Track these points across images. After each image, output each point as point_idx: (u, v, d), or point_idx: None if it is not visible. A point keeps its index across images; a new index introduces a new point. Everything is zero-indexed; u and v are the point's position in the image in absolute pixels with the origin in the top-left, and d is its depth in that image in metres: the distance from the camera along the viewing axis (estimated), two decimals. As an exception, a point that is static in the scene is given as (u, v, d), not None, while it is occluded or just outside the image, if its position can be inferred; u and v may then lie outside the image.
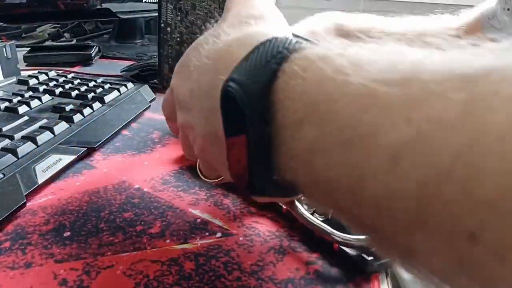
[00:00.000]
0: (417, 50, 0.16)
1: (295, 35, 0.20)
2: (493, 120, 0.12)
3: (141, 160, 0.40)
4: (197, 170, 0.34)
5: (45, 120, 0.42)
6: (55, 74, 0.60)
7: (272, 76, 0.18)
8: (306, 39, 0.20)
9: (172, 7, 0.36)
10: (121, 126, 0.46)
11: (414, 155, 0.13)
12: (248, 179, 0.19)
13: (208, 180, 0.34)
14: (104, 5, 0.77)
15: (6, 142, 0.37)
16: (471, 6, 1.11)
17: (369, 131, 0.14)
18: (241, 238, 0.29)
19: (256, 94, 0.18)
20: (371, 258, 0.26)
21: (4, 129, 0.40)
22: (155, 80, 0.57)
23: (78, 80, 0.56)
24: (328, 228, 0.27)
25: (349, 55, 0.17)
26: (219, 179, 0.33)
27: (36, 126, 0.41)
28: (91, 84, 0.55)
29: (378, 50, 0.17)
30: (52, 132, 0.40)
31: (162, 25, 0.38)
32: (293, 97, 0.17)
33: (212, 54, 0.22)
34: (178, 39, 0.36)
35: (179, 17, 0.36)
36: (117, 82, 0.57)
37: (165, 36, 0.38)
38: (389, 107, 0.14)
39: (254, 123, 0.18)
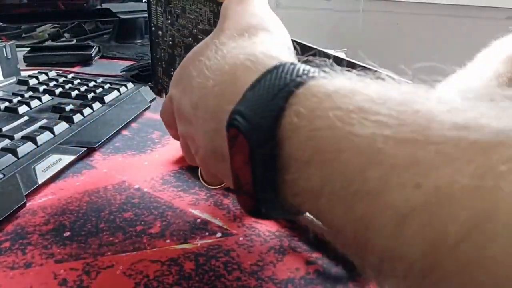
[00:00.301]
0: (433, 94, 0.15)
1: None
2: (500, 202, 0.12)
3: (141, 160, 0.40)
4: (198, 176, 0.34)
5: (45, 120, 0.42)
6: (55, 74, 0.60)
7: (279, 112, 0.17)
8: (313, 64, 0.19)
9: (162, 10, 0.35)
10: (121, 126, 0.46)
11: (420, 223, 0.13)
12: (254, 204, 0.19)
13: (209, 186, 0.34)
14: (104, 5, 0.77)
15: (6, 142, 0.37)
16: (472, 6, 1.11)
17: (375, 189, 0.14)
18: (241, 238, 0.29)
19: (262, 130, 0.18)
20: None
21: (4, 129, 0.40)
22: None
23: (78, 80, 0.56)
24: None
25: (358, 97, 0.16)
26: (221, 185, 0.33)
27: (36, 126, 0.41)
28: (91, 84, 0.55)
29: (392, 91, 0.16)
30: (52, 132, 0.40)
31: (153, 28, 0.37)
32: (299, 137, 0.17)
33: (216, 76, 0.22)
34: (170, 42, 0.35)
35: (169, 21, 0.35)
36: (117, 82, 0.57)
37: (156, 40, 0.37)
38: (396, 168, 0.14)
39: (260, 158, 0.18)
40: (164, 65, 0.37)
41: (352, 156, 0.15)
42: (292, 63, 0.19)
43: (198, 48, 0.26)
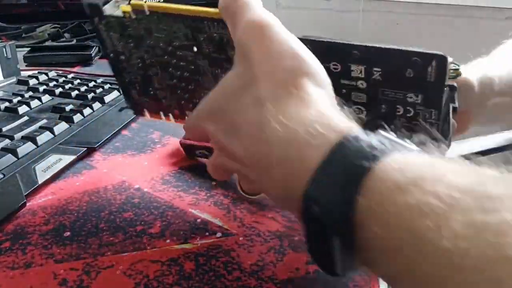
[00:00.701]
0: (500, 187, 0.16)
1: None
2: None
3: (141, 160, 0.40)
4: (237, 187, 0.33)
5: (45, 120, 0.42)
6: (55, 74, 0.60)
7: (353, 197, 0.18)
8: (378, 138, 0.19)
9: (118, 35, 0.31)
10: (121, 126, 0.46)
11: None
12: (331, 267, 0.20)
13: (249, 196, 0.33)
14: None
15: (6, 142, 0.37)
16: (472, 6, 1.11)
17: None
18: (241, 238, 0.29)
19: (336, 220, 0.18)
20: None
21: (4, 129, 0.40)
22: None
23: (78, 80, 0.56)
24: None
25: (430, 198, 0.16)
26: (260, 194, 0.33)
27: (36, 126, 0.41)
28: (91, 84, 0.55)
29: (460, 180, 0.17)
30: (52, 132, 0.40)
31: (112, 55, 0.33)
32: (374, 234, 0.17)
33: (279, 150, 0.21)
34: (140, 64, 0.32)
35: (132, 44, 0.31)
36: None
37: (120, 65, 0.33)
38: (479, 283, 0.14)
39: (335, 241, 0.18)
40: (138, 87, 0.34)
41: (432, 265, 0.16)
42: (355, 137, 0.19)
43: (231, 92, 0.24)
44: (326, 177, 0.19)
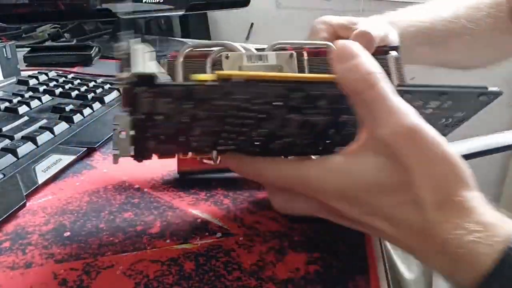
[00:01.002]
0: None
1: None
2: None
3: (141, 160, 0.40)
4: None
5: (45, 120, 0.43)
6: (55, 74, 0.60)
7: None
8: None
9: (170, 99, 0.24)
10: (121, 126, 0.46)
11: None
12: None
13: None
14: (104, 5, 0.77)
15: (6, 142, 0.37)
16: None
17: None
18: (241, 238, 0.29)
19: None
20: None
21: (4, 129, 0.40)
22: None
23: (78, 81, 0.56)
24: None
25: None
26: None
27: (36, 126, 0.41)
28: (91, 84, 0.55)
29: None
30: (52, 132, 0.40)
31: (143, 116, 0.26)
32: None
33: (450, 258, 0.23)
34: (187, 119, 0.26)
35: (192, 105, 0.25)
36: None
37: (150, 123, 0.26)
38: None
39: None
40: (161, 137, 0.28)
41: None
42: None
43: (383, 186, 0.25)
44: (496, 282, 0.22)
